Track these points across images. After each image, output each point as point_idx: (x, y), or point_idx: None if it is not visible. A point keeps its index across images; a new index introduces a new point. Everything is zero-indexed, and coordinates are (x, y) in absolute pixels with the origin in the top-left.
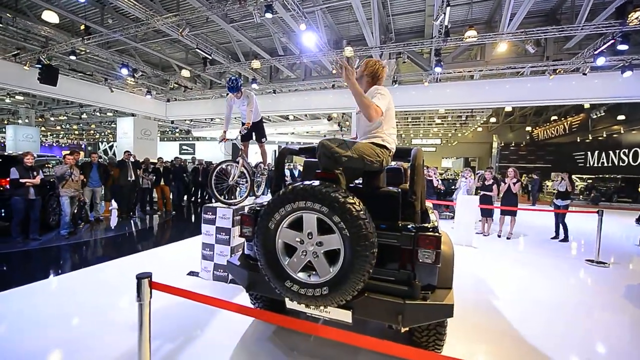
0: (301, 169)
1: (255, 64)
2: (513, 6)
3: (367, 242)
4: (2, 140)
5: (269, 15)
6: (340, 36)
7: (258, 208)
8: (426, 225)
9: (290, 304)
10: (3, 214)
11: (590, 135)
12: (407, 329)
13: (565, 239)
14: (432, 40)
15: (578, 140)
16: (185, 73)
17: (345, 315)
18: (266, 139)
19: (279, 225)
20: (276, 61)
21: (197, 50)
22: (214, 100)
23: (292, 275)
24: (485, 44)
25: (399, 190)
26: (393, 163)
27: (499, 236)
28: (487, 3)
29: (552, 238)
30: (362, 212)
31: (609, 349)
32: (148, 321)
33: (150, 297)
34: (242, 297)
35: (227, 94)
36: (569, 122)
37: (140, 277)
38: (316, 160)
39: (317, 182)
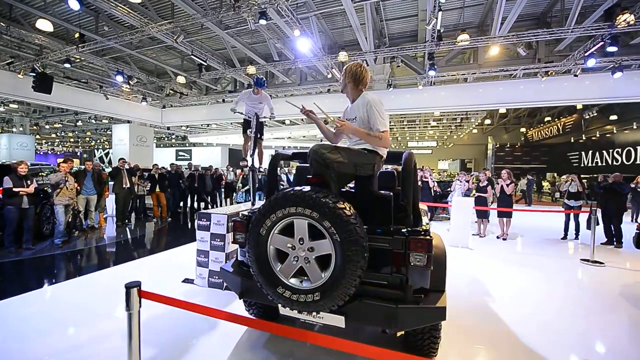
0: None
1: (251, 69)
2: (504, 10)
3: (357, 246)
4: None
5: (263, 22)
6: (335, 41)
7: (250, 214)
8: (417, 228)
9: (283, 310)
10: None
11: (583, 136)
12: (402, 332)
13: (577, 237)
14: (425, 44)
15: (572, 141)
16: (181, 79)
17: (339, 321)
18: (262, 137)
19: (270, 231)
20: (271, 67)
21: (192, 56)
22: (210, 106)
23: (284, 281)
24: (478, 48)
25: (391, 193)
26: (389, 167)
27: (498, 237)
28: (479, 7)
29: (561, 238)
30: (352, 217)
31: (607, 348)
32: (137, 330)
33: (140, 306)
34: (238, 304)
35: (248, 88)
36: (562, 123)
37: (129, 287)
38: (308, 165)
39: (307, 188)
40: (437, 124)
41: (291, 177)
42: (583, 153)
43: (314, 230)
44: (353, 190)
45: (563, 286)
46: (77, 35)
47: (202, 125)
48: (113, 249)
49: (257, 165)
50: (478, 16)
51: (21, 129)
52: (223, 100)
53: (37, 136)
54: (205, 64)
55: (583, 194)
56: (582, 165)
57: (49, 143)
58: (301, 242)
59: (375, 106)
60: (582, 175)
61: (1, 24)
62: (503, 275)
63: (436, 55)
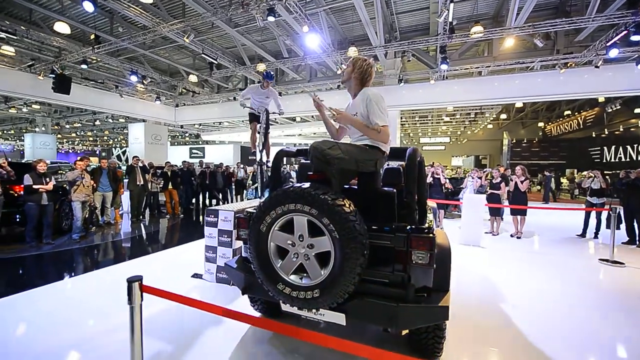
0: None
1: (261, 67)
2: (520, 0)
3: (357, 244)
4: (21, 148)
5: (271, 19)
6: (345, 36)
7: (253, 211)
8: (420, 226)
9: (285, 307)
10: (18, 219)
11: (606, 130)
12: (406, 331)
13: (596, 236)
14: (437, 37)
15: (593, 135)
16: (193, 78)
17: (339, 318)
18: (269, 131)
19: (270, 227)
20: (281, 64)
21: (203, 55)
22: (222, 104)
23: (284, 277)
24: (493, 40)
25: (394, 190)
26: (396, 163)
27: (512, 236)
28: None
29: (578, 235)
30: (352, 214)
31: (625, 353)
32: (140, 323)
33: (141, 300)
34: (244, 300)
35: (257, 82)
36: (583, 117)
37: (130, 281)
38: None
39: (307, 184)
40: (451, 119)
41: None
42: (605, 148)
43: (313, 227)
44: (356, 187)
45: (579, 287)
46: (92, 36)
47: (214, 123)
48: (127, 244)
49: (264, 159)
50: (493, 7)
51: (43, 128)
52: (234, 99)
53: (59, 135)
54: (216, 62)
55: (607, 190)
56: (605, 160)
57: (70, 142)
58: (301, 239)
59: (375, 101)
60: (604, 172)
61: (21, 27)
62: (515, 275)
63: (449, 48)
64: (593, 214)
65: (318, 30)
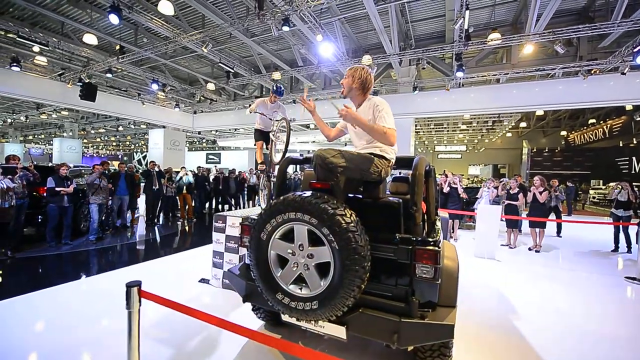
0: None
1: (276, 75)
2: (540, 6)
3: (356, 255)
4: (50, 152)
5: (286, 29)
6: (359, 45)
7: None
8: (427, 238)
9: (285, 317)
10: (40, 220)
11: (634, 139)
12: (411, 347)
13: (629, 251)
14: (453, 45)
15: (621, 145)
16: (211, 86)
17: (340, 331)
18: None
19: (271, 236)
20: (296, 72)
21: (220, 64)
22: (237, 111)
23: (283, 287)
24: (511, 46)
25: (400, 200)
26: (404, 172)
27: (530, 249)
28: (512, 4)
29: (612, 251)
30: (352, 224)
31: None
32: (137, 329)
33: (140, 305)
34: (249, 307)
35: (266, 97)
36: (609, 126)
37: (129, 286)
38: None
39: (308, 193)
40: (467, 127)
41: None
42: (634, 158)
43: (314, 236)
44: (360, 197)
45: (600, 306)
46: (118, 47)
47: (230, 129)
48: (141, 247)
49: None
50: (511, 13)
51: (71, 133)
52: (250, 106)
53: (85, 140)
54: (233, 71)
55: (635, 203)
56: (634, 171)
57: (95, 146)
58: (301, 249)
59: (382, 107)
60: (634, 184)
61: (54, 39)
62: (532, 291)
63: (466, 55)
64: (622, 228)
65: (332, 39)
